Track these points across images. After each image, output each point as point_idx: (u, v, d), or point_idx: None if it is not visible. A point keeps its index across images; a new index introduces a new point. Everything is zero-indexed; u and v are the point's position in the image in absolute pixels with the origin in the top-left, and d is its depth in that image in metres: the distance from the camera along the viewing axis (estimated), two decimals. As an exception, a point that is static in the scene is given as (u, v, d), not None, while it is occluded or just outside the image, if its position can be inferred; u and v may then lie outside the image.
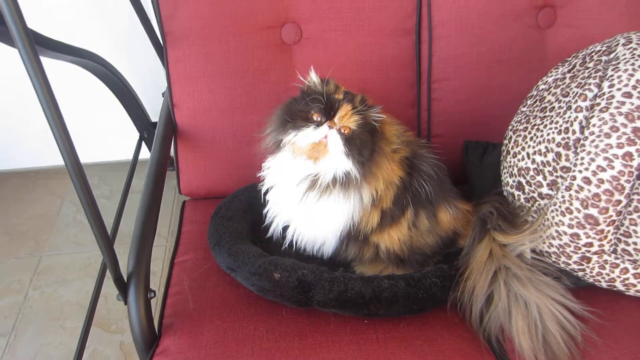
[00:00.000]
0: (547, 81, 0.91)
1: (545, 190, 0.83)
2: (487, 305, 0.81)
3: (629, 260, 0.79)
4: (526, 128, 0.88)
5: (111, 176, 1.83)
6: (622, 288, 0.83)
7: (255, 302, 0.84)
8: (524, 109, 0.93)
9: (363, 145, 0.77)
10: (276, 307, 0.83)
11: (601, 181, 0.73)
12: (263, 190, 0.89)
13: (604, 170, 0.72)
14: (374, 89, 1.07)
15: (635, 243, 0.76)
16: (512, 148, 0.90)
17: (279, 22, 1.02)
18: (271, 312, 0.83)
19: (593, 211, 0.74)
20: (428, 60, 1.08)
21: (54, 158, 1.81)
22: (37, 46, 0.56)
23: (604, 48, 0.82)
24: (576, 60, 0.87)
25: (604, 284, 0.83)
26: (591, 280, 0.83)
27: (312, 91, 0.81)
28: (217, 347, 0.77)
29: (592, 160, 0.73)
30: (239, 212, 0.96)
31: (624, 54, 0.77)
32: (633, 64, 0.74)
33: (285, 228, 0.89)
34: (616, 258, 0.79)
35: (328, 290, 0.79)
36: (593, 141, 0.74)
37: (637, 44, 0.77)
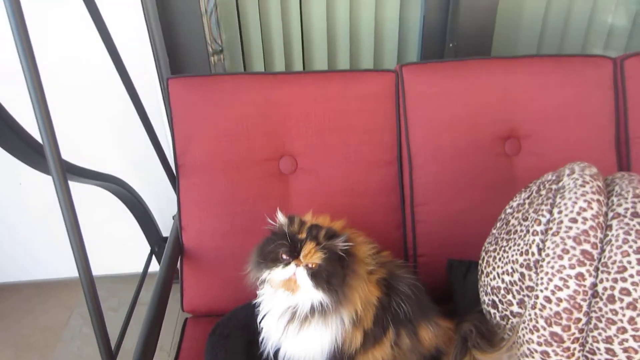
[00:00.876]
0: (512, 205, 1.02)
1: (515, 308, 0.90)
2: None
3: (599, 376, 0.83)
4: (495, 249, 0.97)
5: (119, 288, 1.91)
6: (597, 405, 0.86)
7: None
8: (494, 231, 1.03)
9: (331, 275, 0.84)
10: None
11: (560, 300, 0.80)
12: (259, 319, 0.95)
13: (560, 289, 0.80)
14: (362, 213, 1.19)
15: (599, 360, 0.81)
16: (485, 268, 0.98)
17: (277, 156, 1.18)
18: None
19: (557, 329, 0.81)
20: (410, 187, 1.21)
21: (67, 269, 1.92)
22: (67, 174, 0.69)
23: (554, 177, 0.94)
24: (534, 187, 0.98)
25: (579, 401, 0.87)
26: (566, 397, 0.87)
27: (280, 231, 0.89)
28: None
29: (550, 280, 0.82)
30: (235, 330, 1.03)
31: (569, 183, 0.88)
32: (575, 192, 0.85)
33: (277, 350, 0.94)
34: (585, 375, 0.84)
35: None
36: (549, 262, 0.82)
37: (579, 174, 0.88)
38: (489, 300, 0.96)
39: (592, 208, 0.82)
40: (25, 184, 1.69)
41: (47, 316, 1.80)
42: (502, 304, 0.92)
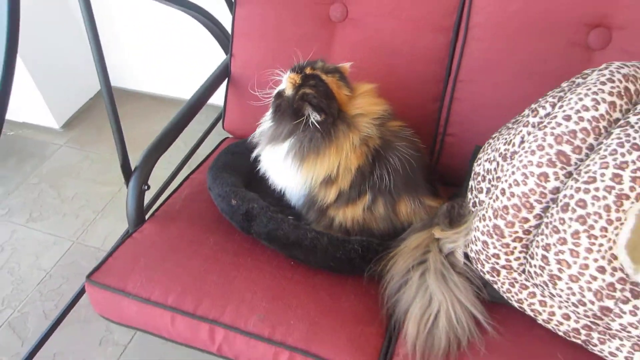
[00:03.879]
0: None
1: (482, 196, 0.84)
2: (399, 288, 0.87)
3: (534, 284, 0.77)
4: (495, 137, 0.88)
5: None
6: (530, 313, 0.80)
7: (219, 220, 1.02)
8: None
9: (293, 129, 0.91)
10: (232, 228, 1.00)
11: (512, 195, 0.73)
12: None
13: (517, 184, 0.73)
14: (401, 77, 1.14)
15: (534, 266, 0.74)
16: (480, 153, 0.91)
17: (328, 1, 1.15)
18: (226, 231, 1.00)
19: (500, 222, 0.75)
20: (458, 59, 1.10)
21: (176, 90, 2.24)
22: None
23: (589, 71, 0.78)
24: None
25: (514, 304, 0.82)
26: (505, 296, 0.83)
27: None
28: (173, 241, 0.99)
29: (513, 173, 0.74)
30: (246, 151, 1.13)
31: (591, 78, 0.74)
32: (589, 89, 0.72)
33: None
34: (526, 279, 0.78)
35: (264, 224, 0.93)
36: (520, 155, 0.74)
37: (610, 70, 0.73)
38: (470, 185, 0.91)
39: (597, 109, 0.69)
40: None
41: (157, 124, 2.14)
42: (475, 190, 0.87)
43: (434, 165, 1.17)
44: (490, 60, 1.07)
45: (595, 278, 0.67)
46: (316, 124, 0.88)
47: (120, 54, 2.22)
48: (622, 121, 0.69)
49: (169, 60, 2.14)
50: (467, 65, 1.09)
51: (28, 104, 2.15)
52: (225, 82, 1.29)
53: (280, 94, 0.95)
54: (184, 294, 0.89)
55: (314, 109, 0.88)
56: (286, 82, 0.94)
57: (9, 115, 2.25)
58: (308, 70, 0.94)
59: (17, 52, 0.77)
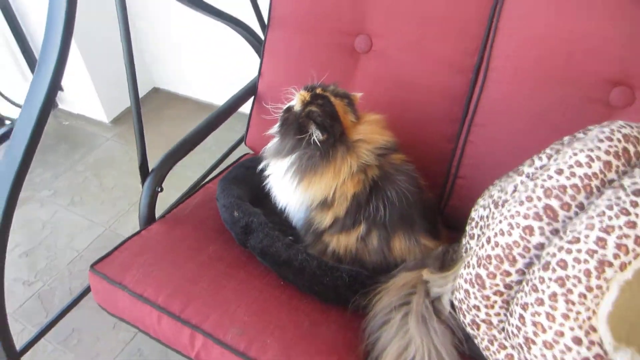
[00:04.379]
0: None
1: (473, 243, 0.82)
2: (381, 325, 0.86)
3: (512, 345, 0.74)
4: (495, 183, 0.87)
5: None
6: (506, 371, 0.77)
7: (221, 230, 1.06)
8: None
9: (297, 143, 0.94)
10: (232, 239, 1.04)
11: (497, 244, 0.72)
12: None
13: (502, 234, 0.71)
14: (417, 113, 1.14)
15: (512, 325, 0.72)
16: (479, 199, 0.89)
17: (355, 31, 1.18)
18: (226, 242, 1.04)
19: (482, 272, 0.73)
20: (476, 101, 1.09)
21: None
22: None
23: (592, 127, 0.76)
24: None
25: (492, 361, 0.79)
26: (484, 354, 0.80)
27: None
28: (175, 243, 1.03)
29: (500, 222, 0.72)
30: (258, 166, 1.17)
31: (591, 135, 0.72)
32: (585, 144, 0.70)
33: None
34: (505, 338, 0.75)
35: (260, 240, 0.95)
36: (509, 204, 0.72)
37: (611, 128, 0.70)
38: (465, 230, 0.89)
39: (590, 167, 0.67)
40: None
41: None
42: (468, 235, 0.85)
43: (442, 207, 1.15)
44: (507, 105, 1.06)
45: (569, 349, 0.64)
46: (317, 143, 0.90)
47: (171, 59, 2.34)
48: (615, 182, 0.66)
49: (216, 68, 2.24)
50: (484, 108, 1.08)
51: (84, 98, 2.31)
52: (252, 98, 1.33)
53: (289, 109, 0.99)
54: (174, 296, 0.93)
55: (317, 127, 0.91)
56: (296, 98, 0.97)
57: (67, 106, 2.42)
58: (319, 90, 0.97)
59: (70, 41, 0.85)
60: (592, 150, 0.68)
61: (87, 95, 2.28)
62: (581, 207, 0.67)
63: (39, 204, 2.02)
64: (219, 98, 2.34)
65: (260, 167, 1.05)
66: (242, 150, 1.48)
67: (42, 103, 0.83)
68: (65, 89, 2.33)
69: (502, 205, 0.75)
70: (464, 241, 0.88)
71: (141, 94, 2.46)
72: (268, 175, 1.02)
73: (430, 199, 1.03)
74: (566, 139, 0.78)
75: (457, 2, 1.07)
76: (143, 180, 1.08)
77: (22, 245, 1.86)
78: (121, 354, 1.50)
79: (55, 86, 0.85)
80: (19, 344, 1.23)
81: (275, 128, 1.02)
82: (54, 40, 0.83)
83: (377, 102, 1.15)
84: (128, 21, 1.02)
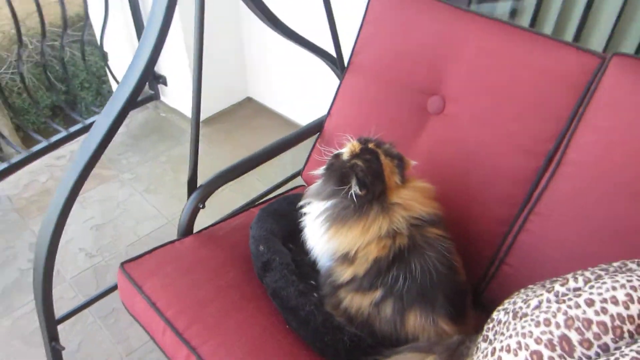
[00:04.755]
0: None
1: (483, 346, 0.75)
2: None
3: None
4: (525, 289, 0.79)
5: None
6: None
7: (246, 259, 1.07)
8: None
9: (335, 192, 0.92)
10: (253, 271, 1.04)
11: (499, 359, 0.65)
12: None
13: (508, 351, 0.64)
14: (474, 189, 1.08)
15: None
16: (506, 299, 0.82)
17: (429, 91, 1.15)
18: (247, 272, 1.05)
19: (479, 384, 0.67)
20: (540, 190, 1.00)
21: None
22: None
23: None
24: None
25: None
26: None
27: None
28: (200, 261, 1.07)
29: (510, 336, 0.66)
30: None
31: (636, 267, 0.62)
32: (630, 280, 0.61)
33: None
34: None
35: (275, 280, 0.95)
36: (527, 320, 0.65)
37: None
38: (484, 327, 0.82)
39: (628, 308, 0.60)
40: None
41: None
42: (482, 335, 0.78)
43: (482, 290, 1.07)
44: (575, 203, 0.96)
45: None
46: (354, 196, 0.89)
47: (265, 72, 2.46)
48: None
49: (304, 90, 2.31)
50: (550, 199, 0.99)
51: (182, 94, 2.49)
52: (317, 135, 1.35)
53: (337, 156, 0.98)
54: (182, 313, 0.95)
55: (358, 182, 0.89)
56: (347, 148, 0.96)
57: (167, 100, 2.62)
58: (371, 145, 0.96)
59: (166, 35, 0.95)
60: (635, 289, 0.60)
61: (185, 92, 2.45)
62: (605, 349, 0.59)
63: (120, 184, 2.20)
64: (303, 118, 2.41)
65: (300, 203, 1.05)
66: (299, 180, 1.49)
67: (132, 87, 0.93)
68: (169, 84, 2.52)
69: (520, 318, 0.68)
70: (479, 339, 0.81)
71: (235, 101, 2.61)
72: (304, 214, 1.02)
73: (461, 282, 0.96)
74: (616, 264, 0.69)
75: (543, 85, 1.01)
76: (189, 194, 1.13)
77: (95, 218, 2.03)
78: (147, 344, 1.57)
79: (146, 74, 0.93)
80: (65, 310, 1.34)
81: (321, 170, 1.02)
82: (152, 31, 0.92)
83: (434, 166, 1.11)
84: (203, 36, 1.07)
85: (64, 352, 1.29)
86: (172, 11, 0.94)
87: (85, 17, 2.37)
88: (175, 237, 1.13)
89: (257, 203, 1.29)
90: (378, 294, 0.90)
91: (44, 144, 2.26)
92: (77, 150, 0.97)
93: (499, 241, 1.06)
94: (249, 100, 2.65)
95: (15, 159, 2.18)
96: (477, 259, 1.07)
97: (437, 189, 0.98)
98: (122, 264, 1.05)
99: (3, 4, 2.05)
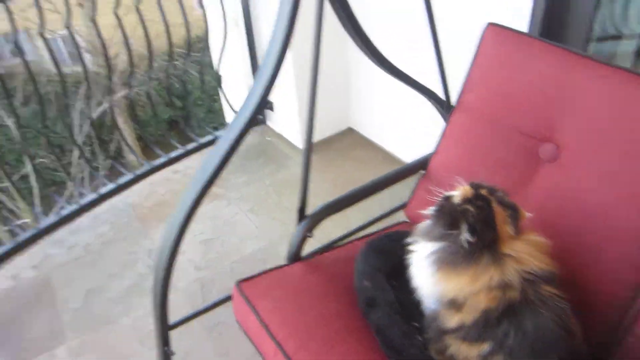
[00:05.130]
0: None
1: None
2: None
3: None
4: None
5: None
6: None
7: (351, 290, 1.12)
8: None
9: (445, 235, 0.92)
10: (354, 302, 1.08)
11: None
12: None
13: None
14: (592, 249, 1.03)
15: None
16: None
17: (543, 138, 1.13)
18: (352, 305, 1.09)
19: None
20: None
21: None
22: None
23: None
24: None
25: None
26: None
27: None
28: (307, 287, 1.13)
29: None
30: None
31: None
32: None
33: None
34: None
35: (378, 317, 0.99)
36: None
37: None
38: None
39: None
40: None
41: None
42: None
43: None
44: None
45: None
46: (464, 242, 0.90)
47: (368, 104, 2.52)
48: None
49: (407, 126, 2.33)
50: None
51: (287, 121, 2.64)
52: (419, 172, 1.37)
53: (448, 198, 0.99)
54: (292, 336, 1.01)
55: (468, 229, 0.90)
56: (459, 191, 0.97)
57: (273, 125, 2.78)
58: (483, 192, 0.95)
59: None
60: None
61: (290, 119, 2.59)
62: None
63: (227, 202, 2.37)
64: (402, 152, 2.43)
65: (408, 240, 1.07)
66: (399, 215, 1.51)
67: (251, 112, 1.10)
68: (275, 109, 2.69)
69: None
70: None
71: (336, 131, 2.71)
72: (412, 252, 1.04)
73: (581, 349, 0.91)
74: None
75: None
76: (298, 222, 1.21)
77: (205, 233, 2.21)
78: (249, 361, 1.66)
79: (263, 101, 1.08)
80: (174, 318, 1.46)
81: (430, 210, 1.04)
82: (271, 60, 1.09)
83: (546, 219, 1.06)
84: (318, 73, 1.15)
85: (172, 358, 1.41)
86: (287, 45, 1.08)
87: (205, 40, 2.63)
88: (274, 258, 1.19)
89: (361, 236, 1.33)
90: (486, 347, 0.89)
91: (163, 158, 2.52)
92: (198, 168, 1.10)
93: (623, 307, 0.99)
94: (350, 130, 2.74)
95: (140, 170, 2.46)
96: (595, 324, 1.01)
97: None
98: (238, 282, 1.15)
99: (138, 24, 2.31)
